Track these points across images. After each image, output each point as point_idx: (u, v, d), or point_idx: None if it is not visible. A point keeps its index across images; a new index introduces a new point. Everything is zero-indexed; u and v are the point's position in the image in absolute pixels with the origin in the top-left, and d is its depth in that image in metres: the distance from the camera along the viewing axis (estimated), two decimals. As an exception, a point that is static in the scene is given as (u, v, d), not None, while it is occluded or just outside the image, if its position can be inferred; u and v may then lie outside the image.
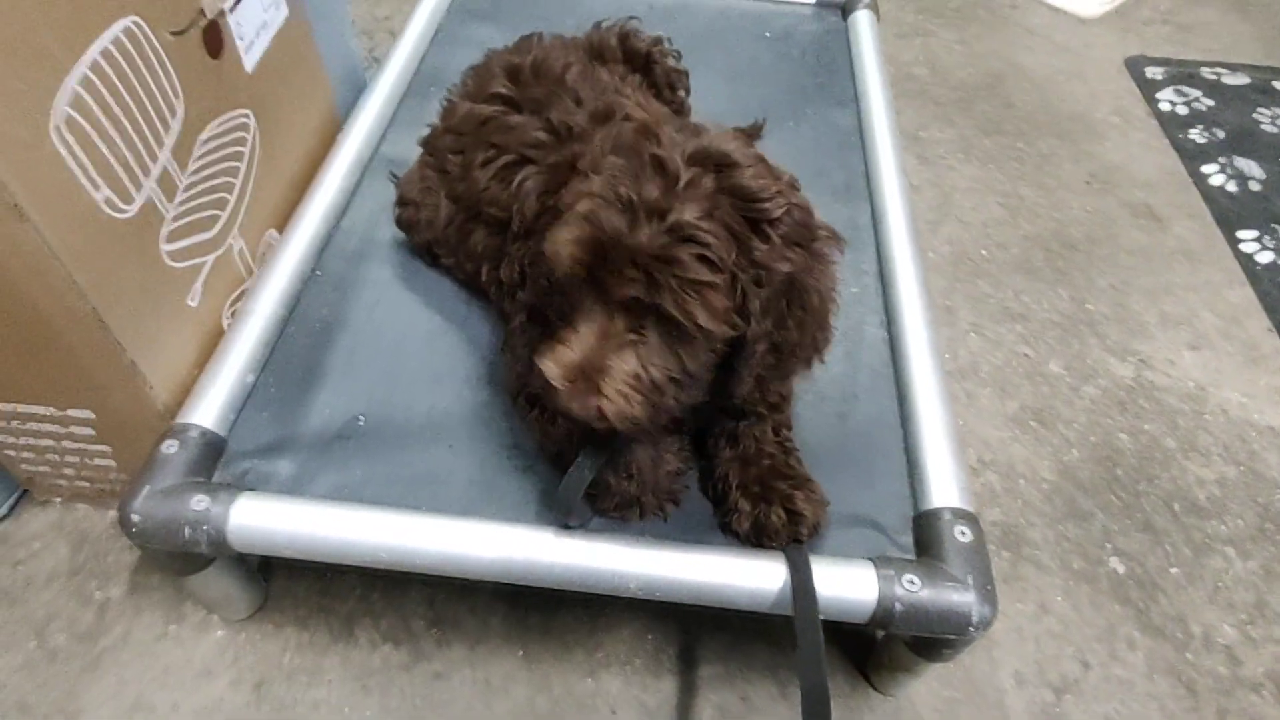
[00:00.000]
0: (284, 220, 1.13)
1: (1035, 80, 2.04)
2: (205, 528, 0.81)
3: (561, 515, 0.80)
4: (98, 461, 1.00)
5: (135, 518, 0.81)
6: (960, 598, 0.78)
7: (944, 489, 0.88)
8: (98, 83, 0.76)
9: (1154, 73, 2.06)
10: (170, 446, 0.86)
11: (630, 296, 0.63)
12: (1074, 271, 1.56)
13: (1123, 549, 1.16)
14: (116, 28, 0.78)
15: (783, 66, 1.52)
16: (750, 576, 0.80)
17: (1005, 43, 2.15)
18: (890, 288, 1.10)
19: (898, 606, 0.78)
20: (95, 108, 0.76)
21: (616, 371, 0.65)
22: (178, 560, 0.86)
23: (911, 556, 0.84)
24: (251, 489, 0.85)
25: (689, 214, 0.61)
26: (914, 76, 2.02)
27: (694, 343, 0.67)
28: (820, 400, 0.99)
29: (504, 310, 0.95)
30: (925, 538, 0.85)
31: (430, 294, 1.08)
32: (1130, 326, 1.47)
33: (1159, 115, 1.93)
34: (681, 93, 1.17)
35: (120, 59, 0.79)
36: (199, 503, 0.81)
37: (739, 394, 0.73)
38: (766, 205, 0.64)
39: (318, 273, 1.08)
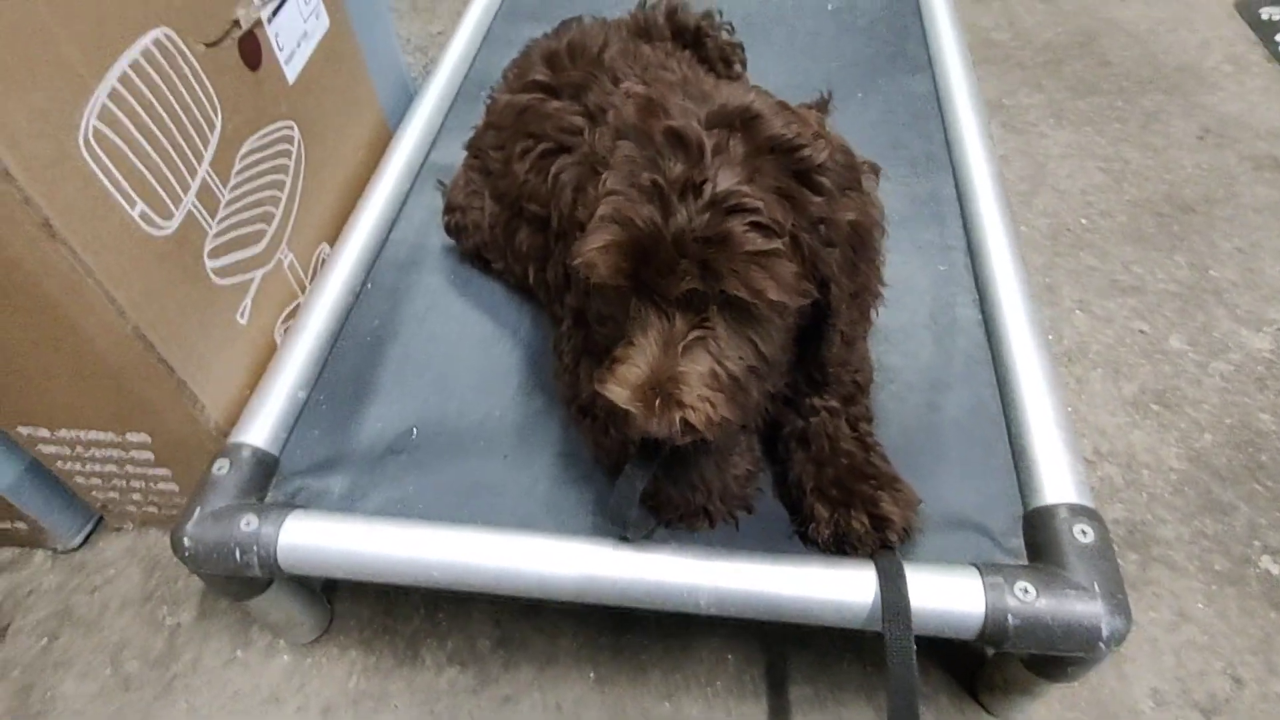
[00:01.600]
0: (335, 233, 1.10)
1: (1134, 34, 1.86)
2: (256, 549, 0.78)
3: (617, 528, 0.73)
4: (161, 485, 0.99)
5: (187, 542, 0.78)
6: (1086, 608, 0.67)
7: (1058, 483, 0.76)
8: (128, 96, 0.74)
9: (1270, 13, 1.84)
10: (221, 467, 0.84)
11: (687, 290, 0.56)
12: (1192, 236, 1.40)
13: (1275, 546, 1.00)
14: (145, 39, 0.77)
15: (848, 38, 1.42)
16: (836, 588, 0.71)
17: (1095, -3, 1.98)
18: (981, 263, 0.99)
19: (1011, 620, 0.67)
20: (126, 121, 0.74)
21: (691, 376, 0.58)
22: (234, 584, 0.84)
23: (1023, 561, 0.73)
24: (303, 507, 0.82)
25: (727, 181, 0.54)
26: (994, 42, 1.87)
27: (766, 322, 0.60)
28: (907, 390, 0.89)
29: (554, 313, 0.89)
30: (1039, 540, 0.74)
31: (481, 300, 1.03)
32: (1263, 292, 1.30)
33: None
34: (738, 66, 1.10)
35: (151, 71, 0.77)
36: (248, 524, 0.78)
37: (831, 360, 0.66)
38: (808, 152, 0.56)
39: (368, 285, 1.06)
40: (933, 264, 1.02)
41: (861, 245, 0.62)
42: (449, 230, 1.05)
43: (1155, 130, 1.61)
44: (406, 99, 1.37)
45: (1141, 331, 1.26)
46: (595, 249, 0.57)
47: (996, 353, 0.91)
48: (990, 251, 0.99)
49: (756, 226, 0.54)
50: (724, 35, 1.08)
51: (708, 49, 1.06)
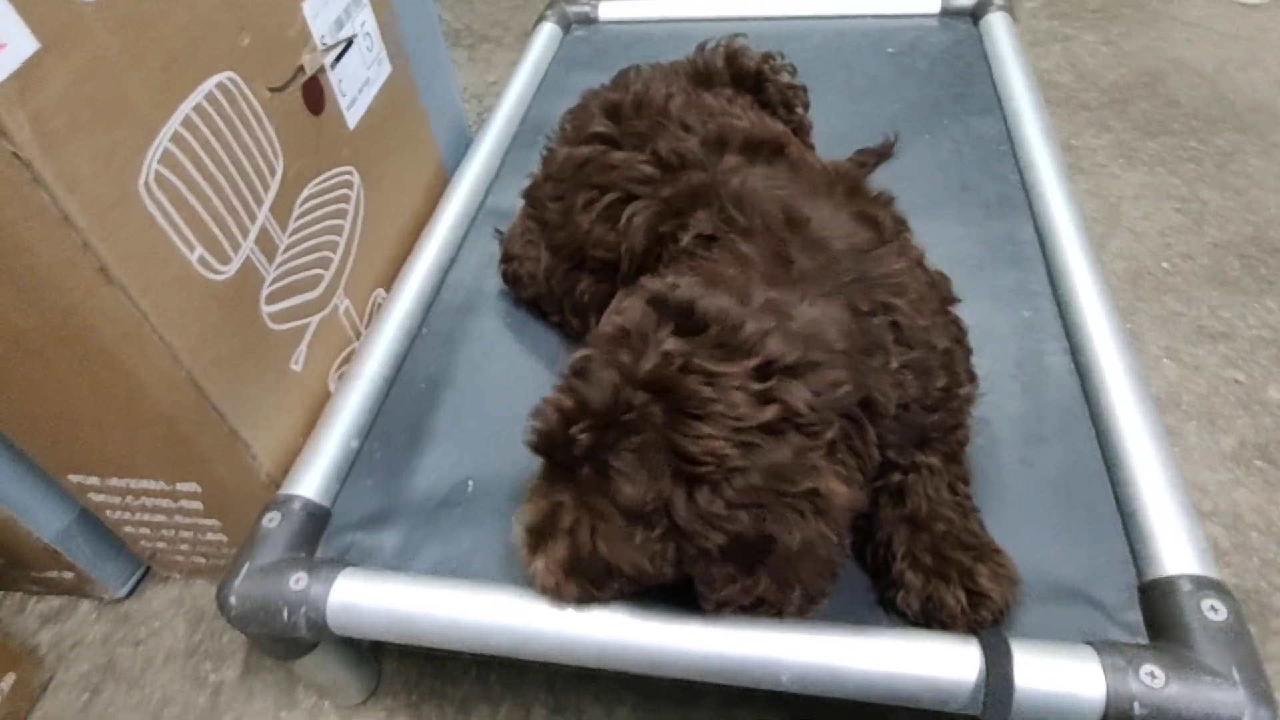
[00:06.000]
0: (391, 278, 1.08)
1: (1201, 73, 1.80)
2: (304, 609, 0.73)
3: None
4: (210, 536, 0.96)
5: (233, 600, 0.74)
6: (1225, 697, 0.59)
7: (1177, 551, 0.69)
8: (190, 139, 0.73)
9: (1351, 50, 1.78)
10: (272, 520, 0.80)
11: None
12: (1283, 280, 1.32)
13: None
14: (210, 83, 0.76)
15: (910, 80, 1.39)
16: (934, 666, 0.64)
17: (1159, 38, 1.93)
18: (1070, 307, 0.93)
19: (1136, 709, 0.60)
20: (189, 165, 0.73)
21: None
22: (281, 644, 0.79)
23: (1144, 640, 0.66)
24: (354, 565, 0.78)
25: None
26: (1057, 84, 1.82)
27: None
28: (995, 445, 0.83)
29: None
30: (1159, 615, 0.66)
31: (538, 345, 1.00)
32: (1369, 341, 1.21)
33: (1365, 96, 1.65)
34: (800, 109, 1.06)
35: (215, 115, 0.76)
36: (298, 582, 0.74)
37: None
38: None
39: (424, 330, 1.03)
40: (1014, 310, 0.96)
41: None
42: (506, 278, 1.02)
43: (1233, 170, 1.54)
44: (464, 145, 1.36)
45: (1236, 381, 1.18)
46: None
47: (1094, 404, 0.84)
48: (1080, 295, 0.93)
49: None
50: (785, 78, 1.05)
51: (769, 93, 1.03)
